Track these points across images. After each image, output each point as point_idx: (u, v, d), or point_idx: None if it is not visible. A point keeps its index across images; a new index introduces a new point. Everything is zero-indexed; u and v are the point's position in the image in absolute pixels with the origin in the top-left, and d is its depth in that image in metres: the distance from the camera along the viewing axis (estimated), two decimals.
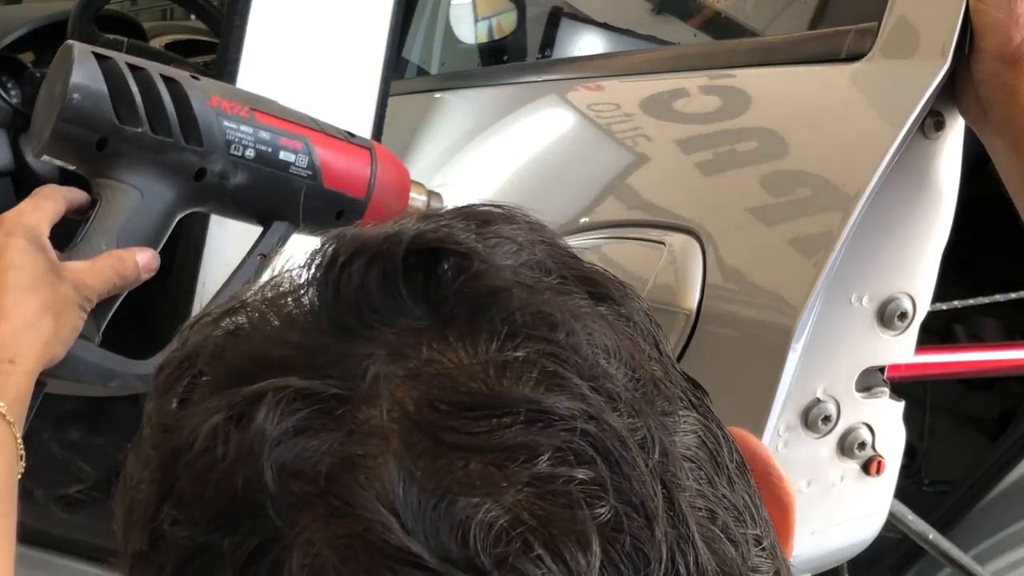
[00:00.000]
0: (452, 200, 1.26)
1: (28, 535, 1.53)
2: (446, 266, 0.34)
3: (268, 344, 0.34)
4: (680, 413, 0.37)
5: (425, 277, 0.34)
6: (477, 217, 0.38)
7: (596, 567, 0.30)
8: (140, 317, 2.47)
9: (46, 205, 0.78)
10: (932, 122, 0.79)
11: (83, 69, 0.76)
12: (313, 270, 0.35)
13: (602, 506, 0.31)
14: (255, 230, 1.16)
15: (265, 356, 0.34)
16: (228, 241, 1.14)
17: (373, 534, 0.29)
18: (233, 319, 0.36)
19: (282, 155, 0.84)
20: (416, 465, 0.30)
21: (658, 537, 0.32)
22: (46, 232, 0.77)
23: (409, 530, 0.29)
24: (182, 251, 1.16)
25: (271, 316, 0.36)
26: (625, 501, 0.31)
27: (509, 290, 0.34)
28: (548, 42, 1.85)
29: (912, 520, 1.01)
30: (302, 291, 0.36)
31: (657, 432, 0.34)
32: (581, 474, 0.31)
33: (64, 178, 2.39)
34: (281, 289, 0.36)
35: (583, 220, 1.02)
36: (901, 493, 0.91)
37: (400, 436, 0.31)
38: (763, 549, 0.39)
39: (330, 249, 0.35)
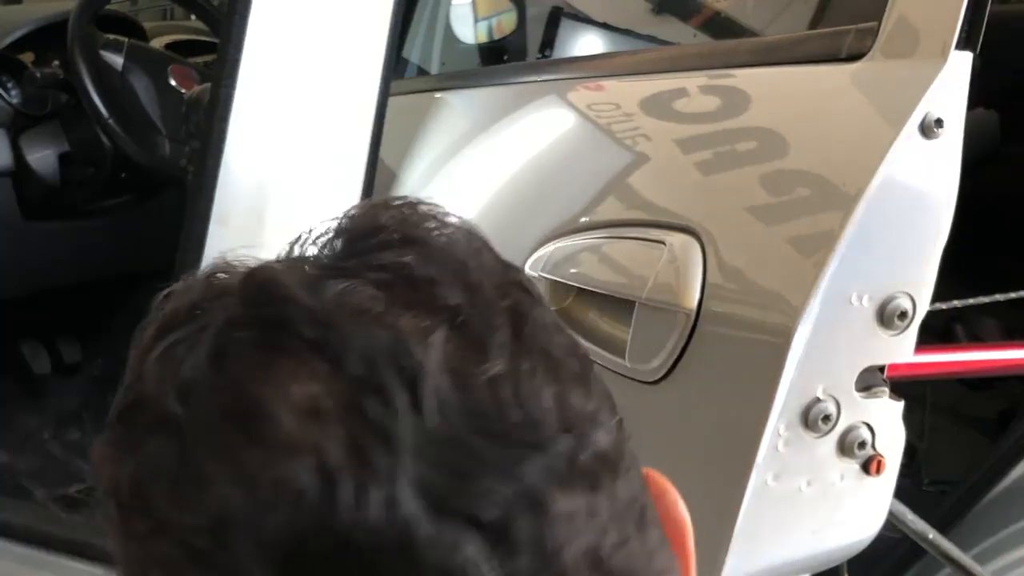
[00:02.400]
0: (451, 201, 1.26)
1: (28, 535, 1.53)
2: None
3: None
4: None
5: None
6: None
7: None
8: (140, 317, 2.47)
9: None
10: (932, 122, 0.79)
11: None
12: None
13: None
14: (256, 229, 1.16)
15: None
16: (229, 240, 1.15)
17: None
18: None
19: None
20: None
21: None
22: None
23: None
24: (182, 250, 1.16)
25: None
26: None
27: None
28: (548, 42, 1.85)
29: (912, 520, 1.01)
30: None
31: None
32: None
33: (64, 177, 2.38)
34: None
35: (583, 220, 1.02)
36: (901, 493, 0.91)
37: None
38: None
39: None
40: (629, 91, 1.17)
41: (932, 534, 1.05)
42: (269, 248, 0.44)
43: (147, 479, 0.35)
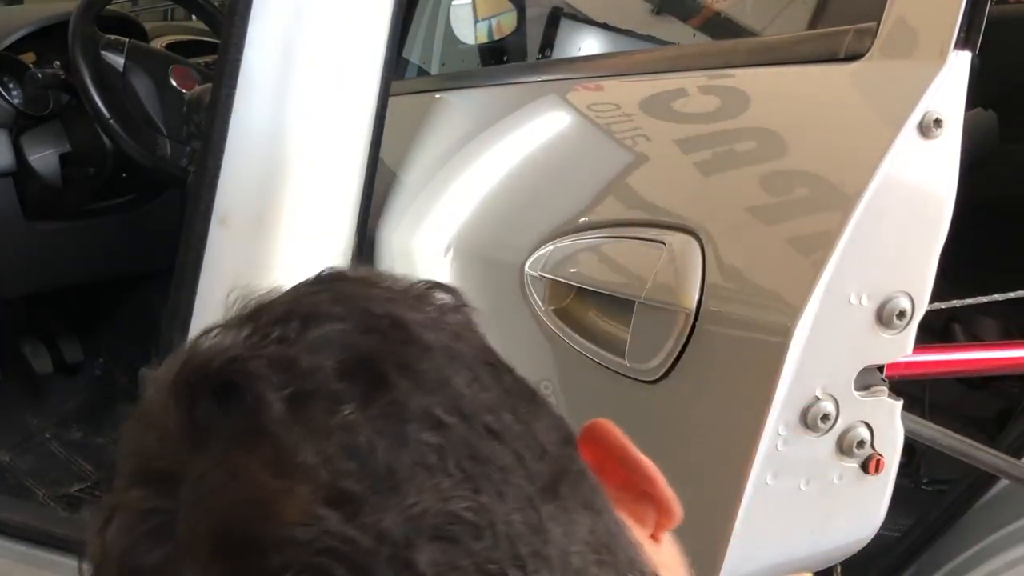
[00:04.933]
0: (452, 201, 1.26)
1: (30, 534, 1.53)
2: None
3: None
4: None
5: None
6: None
7: None
8: (140, 317, 2.47)
9: None
10: (931, 122, 0.79)
11: None
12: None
13: None
14: (257, 229, 1.16)
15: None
16: (229, 240, 1.15)
17: None
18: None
19: None
20: None
21: None
22: None
23: None
24: (183, 250, 1.17)
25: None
26: None
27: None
28: (548, 42, 1.85)
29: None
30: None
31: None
32: None
33: (65, 177, 2.39)
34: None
35: (583, 220, 1.03)
36: (899, 492, 0.91)
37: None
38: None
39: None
40: (629, 91, 1.17)
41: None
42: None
43: None
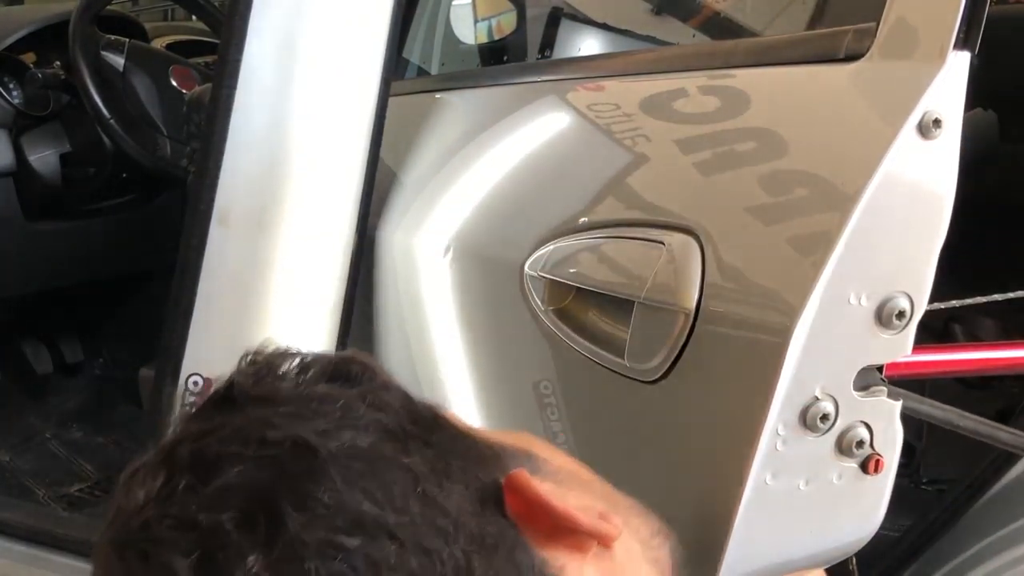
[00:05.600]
0: (452, 201, 1.26)
1: (30, 533, 1.53)
2: None
3: None
4: None
5: None
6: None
7: None
8: (140, 317, 2.47)
9: None
10: (930, 122, 0.79)
11: None
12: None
13: None
14: (257, 229, 1.16)
15: None
16: (229, 240, 1.15)
17: None
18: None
19: None
20: None
21: None
22: None
23: None
24: (183, 250, 1.17)
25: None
26: None
27: None
28: (548, 43, 1.85)
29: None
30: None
31: None
32: None
33: (65, 177, 2.39)
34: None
35: (582, 220, 1.03)
36: (899, 492, 0.91)
37: None
38: None
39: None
40: (628, 91, 1.17)
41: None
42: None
43: None
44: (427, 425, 0.51)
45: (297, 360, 0.52)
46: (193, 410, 0.51)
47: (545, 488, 0.51)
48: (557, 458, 0.59)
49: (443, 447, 0.50)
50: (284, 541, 0.43)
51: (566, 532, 0.51)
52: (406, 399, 0.52)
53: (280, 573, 0.42)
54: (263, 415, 0.48)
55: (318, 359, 0.52)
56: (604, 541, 0.53)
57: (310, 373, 0.51)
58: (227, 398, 0.50)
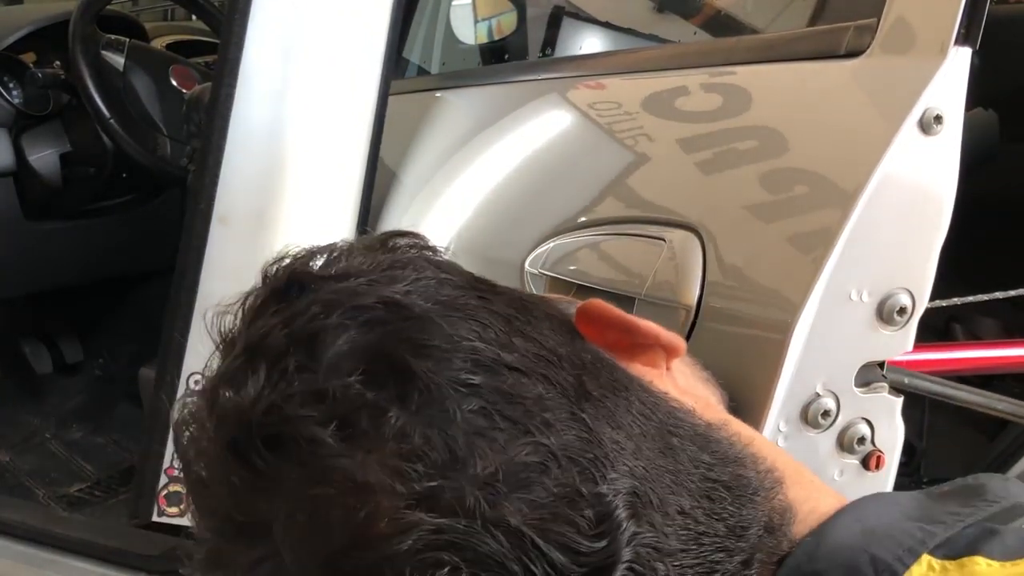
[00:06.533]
0: (452, 200, 1.26)
1: (30, 534, 1.53)
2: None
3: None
4: None
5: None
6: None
7: None
8: (140, 317, 2.47)
9: None
10: (931, 118, 0.79)
11: None
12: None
13: None
14: (257, 228, 1.16)
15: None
16: (229, 239, 1.15)
17: None
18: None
19: None
20: None
21: None
22: None
23: None
24: (183, 250, 1.16)
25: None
26: None
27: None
28: (549, 42, 1.85)
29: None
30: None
31: None
32: None
33: (65, 177, 2.38)
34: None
35: (583, 217, 1.03)
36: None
37: None
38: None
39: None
40: (629, 89, 1.17)
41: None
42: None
43: None
44: (487, 281, 0.52)
45: (337, 247, 0.51)
46: (245, 311, 0.49)
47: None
48: None
49: (511, 295, 0.51)
50: (418, 389, 0.43)
51: (641, 349, 0.53)
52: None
53: (423, 420, 0.42)
54: (342, 288, 0.47)
55: (360, 240, 0.52)
56: (675, 352, 0.55)
57: (361, 250, 0.51)
58: (289, 287, 0.48)
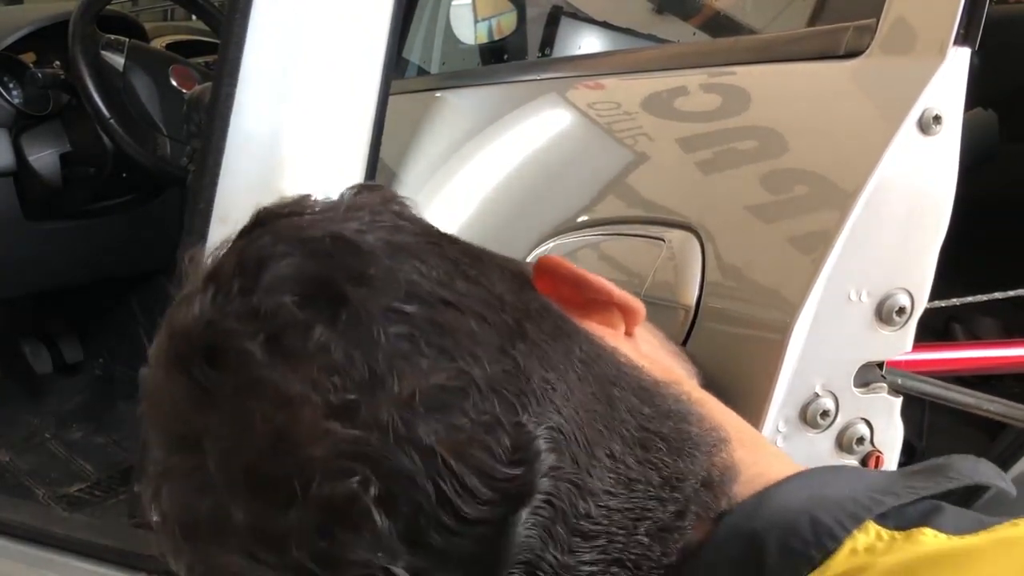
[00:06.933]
0: (451, 200, 1.26)
1: (30, 534, 1.53)
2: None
3: None
4: None
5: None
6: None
7: None
8: (140, 317, 2.47)
9: None
10: (930, 118, 0.79)
11: None
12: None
13: None
14: None
15: None
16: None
17: None
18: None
19: None
20: None
21: None
22: None
23: None
24: (183, 250, 1.16)
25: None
26: None
27: None
28: (548, 41, 1.85)
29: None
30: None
31: None
32: None
33: (65, 177, 2.38)
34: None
35: (583, 217, 1.03)
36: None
37: None
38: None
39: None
40: (629, 89, 1.17)
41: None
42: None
43: None
44: (449, 235, 0.53)
45: (309, 196, 0.54)
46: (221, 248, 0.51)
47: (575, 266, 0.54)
48: None
49: (468, 246, 0.53)
50: (348, 312, 0.44)
51: (596, 307, 0.54)
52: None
53: (347, 339, 0.44)
54: (295, 222, 0.50)
55: (339, 193, 0.54)
56: (632, 316, 0.56)
57: (332, 197, 0.53)
58: (255, 224, 0.51)
